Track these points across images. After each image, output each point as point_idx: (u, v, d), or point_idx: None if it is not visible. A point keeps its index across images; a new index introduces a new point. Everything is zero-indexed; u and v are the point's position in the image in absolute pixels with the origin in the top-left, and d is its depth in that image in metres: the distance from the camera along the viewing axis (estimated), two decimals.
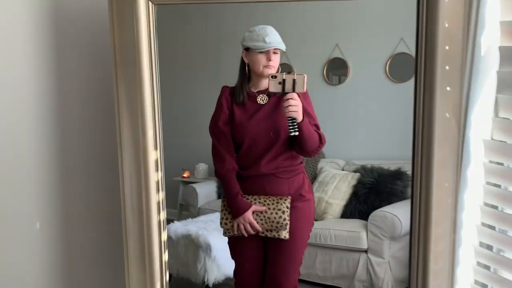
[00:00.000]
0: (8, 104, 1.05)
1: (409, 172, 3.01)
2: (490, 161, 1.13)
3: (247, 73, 1.83)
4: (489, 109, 1.08)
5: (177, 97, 5.07)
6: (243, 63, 1.85)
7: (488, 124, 1.12)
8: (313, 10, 3.87)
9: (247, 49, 1.79)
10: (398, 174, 2.92)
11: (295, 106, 1.61)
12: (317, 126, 1.85)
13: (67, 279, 1.19)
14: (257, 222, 1.75)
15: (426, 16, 0.70)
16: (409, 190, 2.95)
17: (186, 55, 4.84)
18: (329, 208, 3.02)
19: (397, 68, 3.42)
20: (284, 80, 1.56)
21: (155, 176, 0.89)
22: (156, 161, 0.87)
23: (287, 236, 1.79)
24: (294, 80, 1.56)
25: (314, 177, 3.37)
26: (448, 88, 0.82)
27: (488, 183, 1.14)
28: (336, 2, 3.82)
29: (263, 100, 1.81)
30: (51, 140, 1.11)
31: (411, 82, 3.29)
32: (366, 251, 2.68)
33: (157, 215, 0.87)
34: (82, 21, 1.15)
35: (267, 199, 1.77)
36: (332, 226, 2.80)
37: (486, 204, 1.14)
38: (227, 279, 2.53)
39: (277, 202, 1.75)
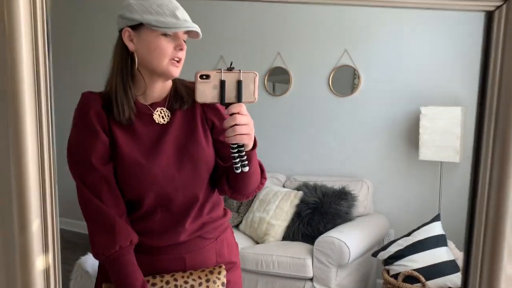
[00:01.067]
0: None
1: (354, 192, 2.90)
2: None
3: (130, 70, 1.07)
4: None
5: None
6: (124, 52, 1.07)
7: None
8: (253, 14, 3.65)
9: (135, 27, 1.04)
10: (342, 194, 2.77)
11: (245, 126, 0.93)
12: None
13: None
14: None
15: (503, 43, 0.41)
16: (353, 211, 2.83)
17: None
18: (271, 230, 2.79)
19: (340, 81, 3.30)
20: (223, 83, 0.92)
21: None
22: (47, 272, 0.43)
23: None
24: (239, 82, 0.92)
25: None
26: None
27: None
28: (278, 6, 3.64)
29: (163, 118, 1.10)
30: None
31: (354, 96, 3.19)
32: (311, 279, 2.47)
33: None
34: None
35: (189, 276, 1.08)
36: (275, 252, 2.56)
37: None
38: None
39: (207, 280, 1.08)
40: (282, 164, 3.39)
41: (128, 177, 1.06)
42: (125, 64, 1.07)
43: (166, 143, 1.08)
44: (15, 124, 0.40)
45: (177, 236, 1.09)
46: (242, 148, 0.97)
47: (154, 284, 1.07)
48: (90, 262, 2.23)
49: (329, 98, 3.28)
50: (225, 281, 1.12)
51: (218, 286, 1.10)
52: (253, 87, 0.93)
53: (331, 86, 3.25)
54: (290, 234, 2.79)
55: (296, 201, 2.87)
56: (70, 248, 4.09)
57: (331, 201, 2.76)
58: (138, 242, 1.05)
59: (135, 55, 1.06)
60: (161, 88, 1.12)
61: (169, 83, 1.14)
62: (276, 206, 2.88)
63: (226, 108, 0.94)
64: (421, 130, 2.67)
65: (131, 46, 1.05)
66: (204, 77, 0.91)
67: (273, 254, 2.55)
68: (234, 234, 1.30)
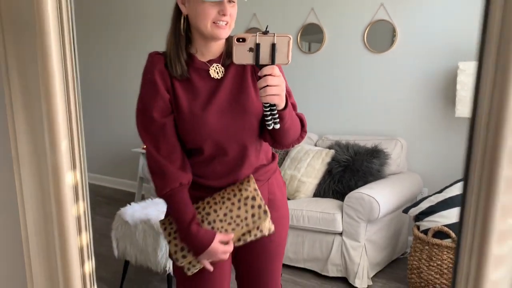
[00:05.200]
0: None
1: (386, 150, 2.87)
2: None
3: (183, 30, 1.17)
4: None
5: (139, 64, 4.68)
6: (178, 13, 1.17)
7: None
8: None
9: None
10: (375, 152, 2.75)
11: (276, 87, 1.00)
12: (294, 106, 1.22)
13: None
14: (226, 230, 1.18)
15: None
16: (385, 169, 2.82)
17: (149, 19, 4.42)
18: (301, 187, 2.84)
19: (376, 37, 3.20)
20: (258, 46, 0.97)
21: (74, 211, 0.54)
22: (75, 187, 0.51)
23: (272, 228, 1.21)
24: (273, 46, 0.97)
25: (286, 153, 3.17)
26: None
27: None
28: None
29: (218, 72, 1.18)
30: None
31: (390, 52, 3.09)
32: (341, 234, 2.52)
33: (80, 268, 0.55)
34: None
35: (224, 194, 1.21)
36: (305, 207, 2.61)
37: None
38: None
39: (239, 191, 1.20)
40: (314, 123, 3.39)
41: (187, 128, 1.17)
42: (178, 26, 1.17)
43: (220, 96, 1.17)
44: (42, 62, 0.45)
45: (238, 176, 1.22)
46: (274, 107, 1.05)
47: (197, 208, 1.21)
48: (129, 213, 2.36)
49: (364, 55, 3.20)
50: (257, 187, 1.22)
51: (251, 190, 1.20)
52: (287, 50, 0.98)
53: (366, 42, 3.17)
54: (321, 191, 2.83)
55: (328, 159, 2.88)
56: (112, 204, 4.33)
57: (363, 159, 2.76)
58: (199, 182, 1.22)
59: (188, 17, 1.16)
60: (216, 47, 1.19)
61: (223, 42, 1.20)
62: (308, 164, 2.91)
63: (259, 69, 1.01)
64: (458, 87, 2.58)
65: (184, 9, 1.15)
66: (241, 40, 0.98)
67: (303, 209, 2.60)
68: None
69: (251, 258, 1.32)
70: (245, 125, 1.18)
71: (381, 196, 2.42)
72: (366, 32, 3.17)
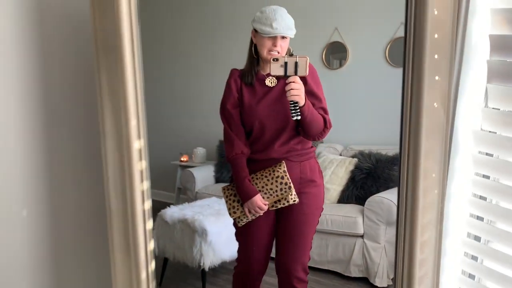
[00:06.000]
0: None
1: None
2: (479, 152, 1.12)
3: (254, 54, 1.73)
4: (479, 99, 1.07)
5: (178, 82, 5.06)
6: (251, 42, 1.74)
7: (477, 115, 1.10)
8: None
9: (255, 29, 1.69)
10: (395, 160, 2.91)
11: (297, 90, 1.52)
12: (324, 110, 1.73)
13: (53, 269, 1.20)
14: (262, 198, 1.71)
15: (415, 3, 0.73)
16: None
17: (187, 39, 4.81)
18: (326, 193, 3.02)
19: (397, 52, 3.39)
20: (286, 63, 1.50)
21: (139, 166, 0.86)
22: (140, 151, 0.84)
23: (296, 200, 1.72)
24: (296, 63, 1.50)
25: None
26: (436, 78, 0.82)
27: (477, 174, 1.13)
28: None
29: (271, 82, 1.73)
30: (35, 133, 1.09)
31: None
32: (362, 236, 2.70)
33: (142, 205, 0.87)
34: (62, 9, 1.11)
35: (263, 172, 1.74)
36: (328, 211, 2.81)
37: (474, 195, 1.13)
38: (223, 263, 2.56)
39: (273, 171, 1.72)
40: (339, 134, 3.59)
41: (244, 114, 1.74)
42: (251, 51, 1.75)
43: (269, 96, 1.72)
44: (121, 72, 0.73)
45: (269, 153, 1.74)
46: (296, 104, 1.55)
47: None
48: (168, 214, 2.65)
49: (385, 70, 3.40)
50: (286, 169, 1.71)
51: (281, 172, 1.71)
52: (305, 66, 1.52)
53: (387, 58, 3.37)
54: (345, 198, 3.01)
55: (351, 167, 3.08)
56: (154, 213, 4.67)
57: (384, 167, 2.93)
58: (249, 157, 1.75)
59: (256, 46, 1.71)
60: None
61: None
62: (332, 172, 3.11)
63: (287, 78, 1.53)
64: None
65: (254, 40, 1.72)
66: (275, 59, 1.52)
67: (327, 213, 2.80)
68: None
69: (288, 222, 1.79)
70: (283, 118, 1.70)
71: None
72: (387, 48, 3.37)
